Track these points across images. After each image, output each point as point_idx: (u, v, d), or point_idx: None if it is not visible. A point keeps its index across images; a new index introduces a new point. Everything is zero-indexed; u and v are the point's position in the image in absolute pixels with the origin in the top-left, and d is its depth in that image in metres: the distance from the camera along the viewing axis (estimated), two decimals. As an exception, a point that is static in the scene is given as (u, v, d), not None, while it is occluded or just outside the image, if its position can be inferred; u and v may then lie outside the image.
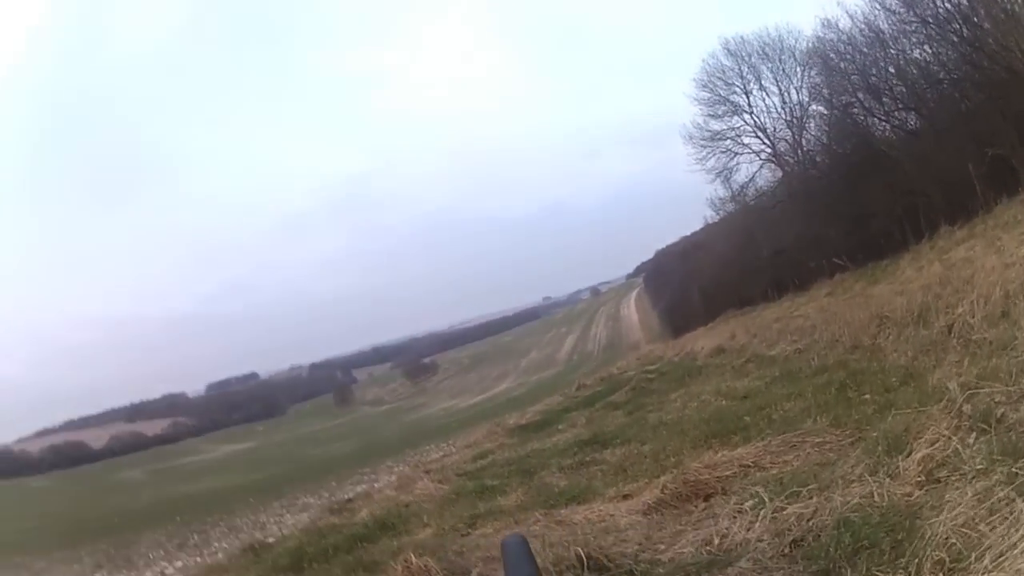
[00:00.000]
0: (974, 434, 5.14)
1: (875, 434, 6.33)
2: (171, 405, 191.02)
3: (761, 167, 47.35)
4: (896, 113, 32.55)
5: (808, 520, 4.79)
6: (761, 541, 4.85)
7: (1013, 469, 4.26)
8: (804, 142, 44.43)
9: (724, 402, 11.65)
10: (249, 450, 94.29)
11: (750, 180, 47.71)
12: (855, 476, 5.29)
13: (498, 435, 17.25)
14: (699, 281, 61.56)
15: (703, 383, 14.91)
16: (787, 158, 46.21)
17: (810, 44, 38.53)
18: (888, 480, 5.00)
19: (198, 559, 12.23)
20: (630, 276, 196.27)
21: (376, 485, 15.37)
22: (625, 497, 7.51)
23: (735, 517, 5.42)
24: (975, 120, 25.98)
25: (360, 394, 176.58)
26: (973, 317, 9.30)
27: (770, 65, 44.90)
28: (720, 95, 46.27)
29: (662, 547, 5.57)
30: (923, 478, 4.83)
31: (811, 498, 5.04)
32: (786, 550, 4.62)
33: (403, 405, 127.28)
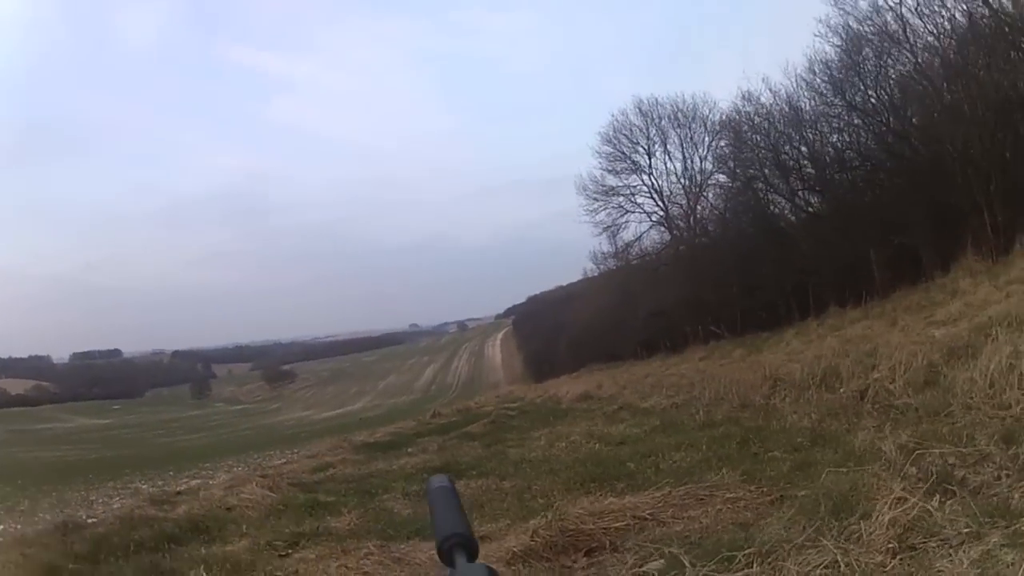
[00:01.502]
0: (937, 496, 4.36)
1: (803, 493, 5.33)
2: (36, 368, 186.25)
3: (650, 228, 47.42)
4: (801, 193, 32.77)
5: (753, 598, 3.43)
6: None
7: (1012, 529, 3.75)
8: (700, 209, 44.89)
9: (598, 446, 10.55)
10: (104, 427, 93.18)
11: (636, 239, 47.70)
12: (802, 541, 4.01)
13: (343, 450, 15.90)
14: (569, 331, 62.00)
15: (571, 425, 13.92)
16: (678, 223, 46.60)
17: (724, 115, 38.73)
18: (851, 547, 3.90)
19: (16, 527, 11.12)
20: (499, 316, 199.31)
21: (211, 482, 14.01)
22: (482, 539, 6.04)
23: (638, 584, 4.04)
24: (884, 208, 26.19)
25: (217, 390, 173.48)
26: (893, 383, 8.70)
27: (679, 131, 45.34)
28: (622, 152, 46.39)
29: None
30: (895, 544, 3.86)
31: (751, 566, 3.68)
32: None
33: (258, 408, 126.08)
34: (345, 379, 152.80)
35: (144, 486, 15.81)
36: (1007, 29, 22.13)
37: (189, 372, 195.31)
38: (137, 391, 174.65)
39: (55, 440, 60.21)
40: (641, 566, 4.30)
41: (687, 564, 3.86)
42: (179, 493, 12.40)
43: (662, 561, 4.22)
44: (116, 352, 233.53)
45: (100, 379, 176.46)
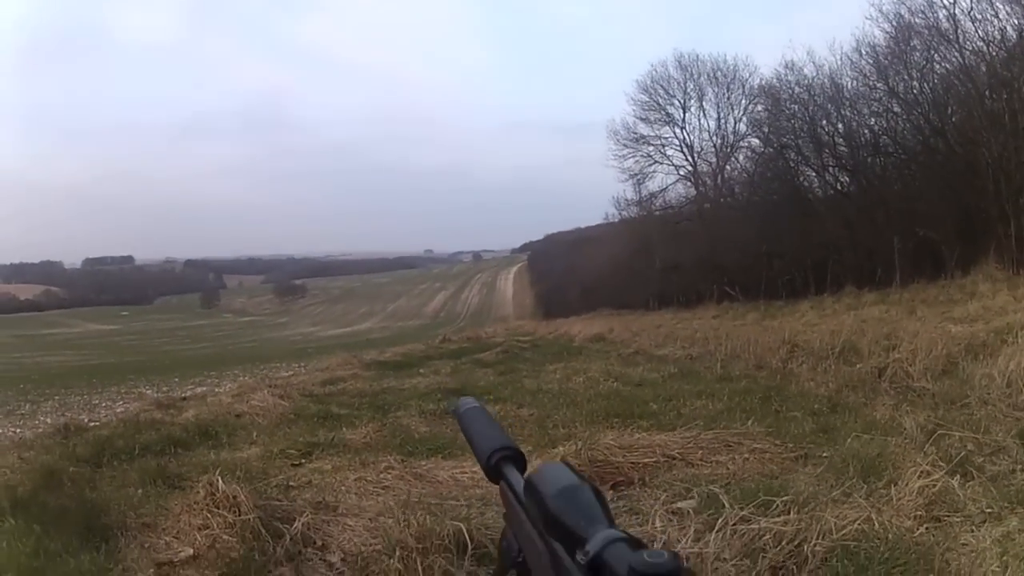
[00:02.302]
0: (958, 477, 4.41)
1: (827, 453, 5.44)
2: (47, 273, 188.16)
3: (676, 182, 47.58)
4: (831, 169, 32.64)
5: (791, 542, 3.56)
6: (723, 561, 3.57)
7: None
8: (728, 169, 44.69)
9: (617, 384, 10.56)
10: (111, 332, 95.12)
11: (662, 191, 48.01)
12: (836, 497, 4.14)
13: (353, 366, 15.90)
14: (583, 273, 62.27)
15: (586, 362, 13.78)
16: (705, 180, 46.47)
17: (764, 81, 38.43)
18: (883, 507, 4.01)
19: (16, 431, 10.76)
20: (515, 251, 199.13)
21: (217, 390, 14.02)
22: (503, 465, 6.08)
23: (671, 519, 4.16)
24: (914, 199, 26.09)
25: (227, 300, 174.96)
26: (912, 366, 8.69)
27: (716, 89, 45.31)
28: (657, 103, 46.52)
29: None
30: (923, 513, 3.99)
31: (789, 513, 3.79)
32: (762, 578, 3.42)
33: (265, 321, 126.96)
34: (355, 298, 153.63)
35: (149, 391, 15.64)
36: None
37: (200, 282, 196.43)
38: (146, 298, 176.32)
39: (60, 345, 60.22)
40: (674, 502, 4.39)
41: (726, 504, 3.96)
42: (184, 399, 12.42)
43: (696, 500, 4.32)
44: (128, 259, 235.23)
45: (110, 285, 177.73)
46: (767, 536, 3.63)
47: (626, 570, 0.74)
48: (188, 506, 4.53)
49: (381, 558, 3.84)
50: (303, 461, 6.48)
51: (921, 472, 4.30)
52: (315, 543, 4.24)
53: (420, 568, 3.65)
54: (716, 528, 3.79)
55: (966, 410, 6.60)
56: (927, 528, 3.81)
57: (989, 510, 3.96)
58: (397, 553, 3.75)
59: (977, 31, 24.57)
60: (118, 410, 12.42)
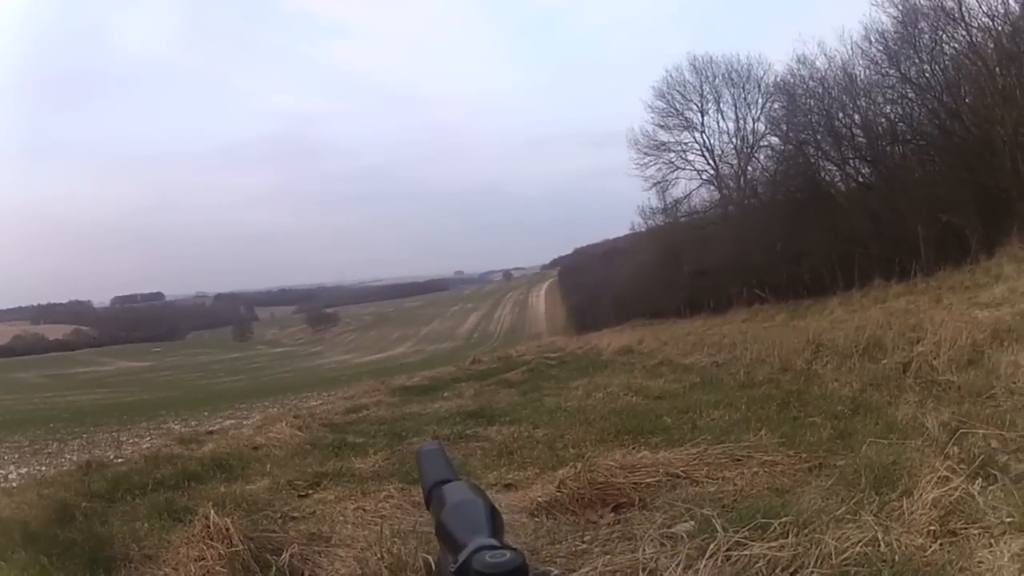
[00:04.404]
0: (979, 480, 4.12)
1: (841, 463, 5.17)
2: (76, 312, 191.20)
3: (700, 186, 47.36)
4: (852, 162, 32.26)
5: (786, 569, 3.29)
6: None
7: None
8: (750, 170, 44.31)
9: (636, 398, 10.39)
10: (143, 369, 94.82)
11: (686, 196, 47.84)
12: (841, 514, 3.85)
13: (379, 392, 15.81)
14: (614, 285, 62.04)
15: (609, 376, 13.64)
16: (728, 182, 46.12)
17: (779, 77, 38.06)
18: (892, 524, 3.72)
19: (42, 468, 10.83)
20: (545, 267, 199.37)
21: (244, 423, 14.01)
22: (508, 487, 6.00)
23: (664, 544, 3.91)
24: (935, 185, 25.67)
25: (259, 332, 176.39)
26: (936, 359, 8.41)
27: (733, 90, 45.07)
28: (675, 108, 46.29)
29: (554, 571, 4.01)
30: (936, 527, 3.67)
31: (787, 536, 3.52)
32: (754, 611, 3.17)
33: (299, 351, 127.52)
34: (387, 324, 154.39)
35: (177, 426, 15.65)
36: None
37: (231, 315, 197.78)
38: (178, 334, 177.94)
39: (92, 383, 60.60)
40: (670, 526, 4.13)
41: (719, 528, 3.70)
42: (210, 432, 12.48)
43: (692, 523, 4.06)
44: (158, 295, 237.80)
45: (140, 323, 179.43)
46: (760, 563, 3.37)
47: (480, 571, 0.83)
48: (187, 539, 4.62)
49: None
50: (310, 492, 6.46)
51: (939, 479, 4.01)
52: (303, 574, 4.32)
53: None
54: (708, 554, 3.54)
55: (992, 402, 6.31)
56: (940, 544, 3.54)
57: (1010, 519, 3.65)
58: None
59: (981, 7, 24.28)
60: (144, 446, 12.37)
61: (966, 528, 3.66)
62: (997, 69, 23.35)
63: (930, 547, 3.50)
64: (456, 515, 1.00)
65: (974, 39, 24.62)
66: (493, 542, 0.89)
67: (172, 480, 7.17)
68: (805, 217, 31.72)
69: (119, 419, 19.37)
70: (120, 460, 9.91)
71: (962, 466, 4.27)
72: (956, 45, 25.71)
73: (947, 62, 26.11)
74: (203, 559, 4.34)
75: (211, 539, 4.46)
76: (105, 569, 4.55)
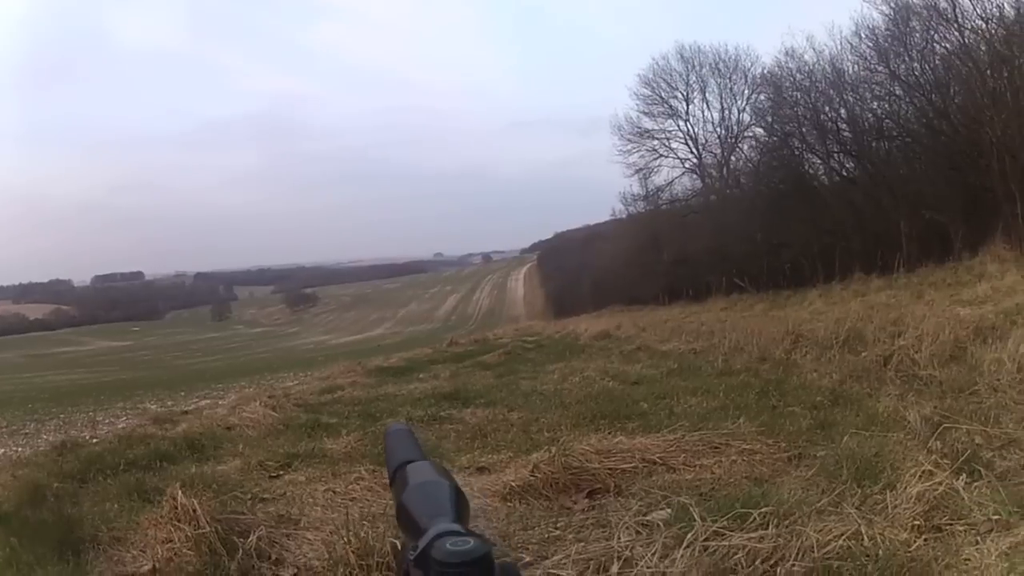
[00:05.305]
0: (963, 476, 4.03)
1: (822, 453, 5.07)
2: (57, 292, 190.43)
3: (682, 174, 47.43)
4: (836, 156, 32.35)
5: (767, 561, 3.19)
6: None
7: None
8: (734, 160, 44.37)
9: (612, 383, 10.29)
10: (122, 348, 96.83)
11: (668, 184, 47.81)
12: (822, 505, 3.76)
13: (355, 373, 15.63)
14: (593, 271, 62.24)
15: (586, 361, 13.64)
16: (711, 171, 46.18)
17: (766, 69, 38.11)
18: (875, 518, 3.63)
19: (18, 449, 10.71)
20: (525, 251, 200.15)
21: (220, 403, 13.87)
22: (481, 471, 5.88)
23: (640, 532, 3.80)
24: (919, 182, 25.80)
25: (238, 312, 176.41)
26: (918, 353, 8.33)
27: (719, 80, 45.09)
28: (660, 96, 46.31)
29: (526, 557, 3.91)
30: (921, 522, 3.59)
31: (766, 526, 3.41)
32: (732, 604, 3.07)
33: (277, 331, 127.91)
34: (366, 305, 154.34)
35: (153, 406, 15.52)
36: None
37: (210, 294, 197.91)
38: (157, 313, 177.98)
39: (71, 363, 60.64)
40: (646, 514, 4.03)
41: (696, 517, 3.57)
42: (185, 412, 12.36)
43: (669, 511, 3.95)
44: (138, 275, 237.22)
45: (120, 302, 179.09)
46: (740, 554, 3.27)
47: (439, 559, 0.77)
48: (155, 520, 4.54)
49: (327, 574, 3.80)
50: (281, 473, 6.38)
51: (923, 473, 3.94)
52: (270, 557, 4.21)
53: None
54: (685, 544, 3.43)
55: (975, 399, 6.26)
56: (925, 540, 3.45)
57: (996, 516, 3.58)
58: (341, 570, 3.70)
59: (976, 9, 24.09)
60: (120, 426, 12.23)
61: (951, 524, 3.59)
62: (988, 71, 23.35)
63: (915, 542, 3.41)
64: (418, 497, 0.95)
65: (967, 40, 24.55)
66: (457, 528, 0.83)
67: (144, 460, 7.10)
68: (787, 209, 31.82)
69: (96, 399, 19.28)
70: (95, 441, 9.77)
71: (946, 461, 4.21)
72: (948, 45, 25.66)
73: (937, 61, 26.12)
74: (171, 541, 4.28)
75: (179, 521, 4.38)
76: (74, 551, 4.48)
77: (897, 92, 28.13)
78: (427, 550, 0.79)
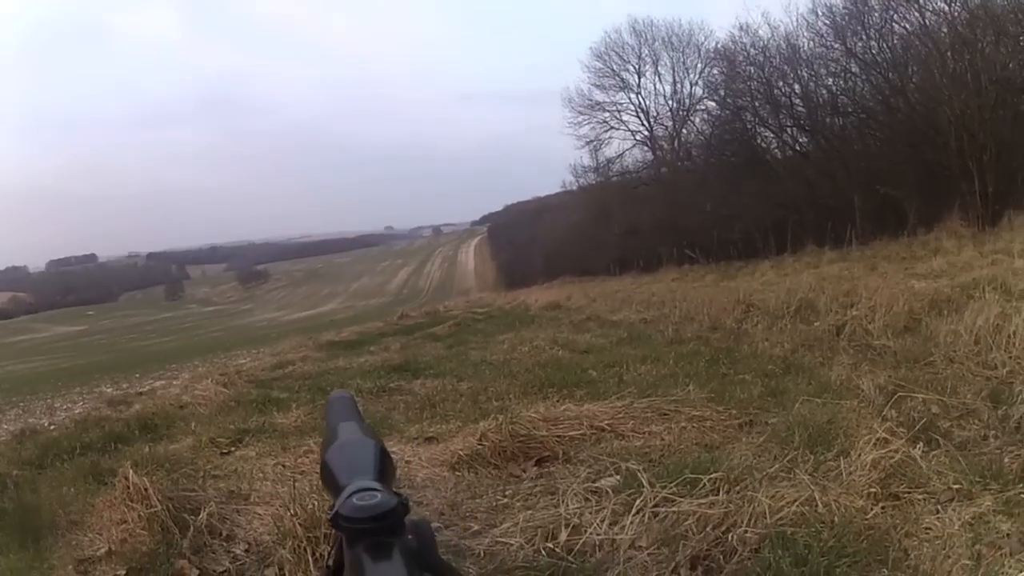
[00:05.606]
0: (920, 445, 4.02)
1: (773, 420, 5.01)
2: (12, 279, 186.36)
3: (633, 147, 47.23)
4: (789, 130, 32.54)
5: (718, 527, 3.08)
6: (638, 549, 3.12)
7: (1006, 496, 3.35)
8: (685, 133, 44.49)
9: (562, 352, 10.26)
10: (79, 333, 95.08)
11: (619, 156, 47.58)
12: (774, 471, 3.68)
13: (306, 348, 15.54)
14: (544, 242, 62.36)
15: (536, 331, 13.52)
16: (662, 144, 46.26)
17: (720, 44, 38.04)
18: (829, 484, 3.55)
19: None
20: (475, 223, 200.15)
21: (174, 383, 13.69)
22: (429, 440, 5.78)
23: (588, 499, 3.71)
24: (874, 158, 26.12)
25: (191, 291, 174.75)
26: (871, 323, 8.34)
27: (672, 54, 44.85)
28: (612, 69, 45.98)
29: (474, 526, 3.82)
30: (877, 489, 3.51)
31: (717, 493, 3.32)
32: (682, 570, 2.97)
33: (230, 309, 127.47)
34: (318, 280, 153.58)
35: (108, 389, 15.18)
36: (1021, 16, 22.12)
37: (163, 274, 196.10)
38: (111, 296, 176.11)
39: (29, 351, 59.55)
40: (595, 480, 3.94)
41: (645, 483, 3.47)
42: (140, 394, 12.24)
43: (618, 478, 3.87)
44: (92, 257, 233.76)
45: (75, 286, 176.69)
46: (690, 520, 3.19)
47: (344, 515, 0.76)
48: (109, 502, 4.54)
49: (277, 548, 3.74)
50: (232, 449, 6.37)
51: (878, 440, 3.85)
52: (221, 534, 4.17)
53: (310, 558, 3.54)
54: (634, 510, 3.34)
55: (930, 369, 6.21)
56: (883, 508, 3.36)
57: (957, 486, 3.51)
58: (289, 543, 3.65)
59: (938, -9, 24.29)
60: (76, 411, 12.08)
61: (909, 492, 3.52)
62: (949, 53, 23.51)
63: (871, 510, 3.33)
64: (340, 455, 0.95)
65: (927, 21, 24.70)
66: (374, 485, 0.81)
67: (100, 443, 7.05)
68: (739, 181, 31.98)
69: (55, 386, 18.89)
70: (53, 427, 9.71)
71: (902, 429, 4.17)
72: (907, 26, 25.77)
73: (896, 41, 26.28)
74: (125, 522, 4.25)
75: (131, 501, 4.35)
76: (34, 538, 4.47)
77: (853, 69, 28.28)
78: (343, 506, 0.77)
